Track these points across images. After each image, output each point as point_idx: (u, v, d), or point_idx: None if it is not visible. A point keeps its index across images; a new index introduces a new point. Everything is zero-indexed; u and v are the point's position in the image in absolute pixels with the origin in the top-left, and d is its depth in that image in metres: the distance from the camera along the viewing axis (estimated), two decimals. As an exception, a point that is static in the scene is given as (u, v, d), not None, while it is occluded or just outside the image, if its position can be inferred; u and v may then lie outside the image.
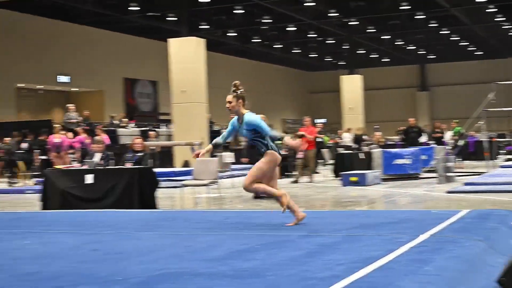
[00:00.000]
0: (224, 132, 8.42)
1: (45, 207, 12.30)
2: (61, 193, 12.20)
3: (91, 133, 21.58)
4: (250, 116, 8.00)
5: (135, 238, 7.58)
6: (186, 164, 22.75)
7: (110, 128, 25.87)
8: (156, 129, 28.03)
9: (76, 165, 14.69)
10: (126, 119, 28.41)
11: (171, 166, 23.48)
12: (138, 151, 13.48)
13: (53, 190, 12.32)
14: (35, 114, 36.77)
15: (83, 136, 21.01)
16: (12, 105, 34.30)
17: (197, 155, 8.34)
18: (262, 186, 8.06)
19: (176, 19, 33.50)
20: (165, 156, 24.01)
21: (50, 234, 8.19)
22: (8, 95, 34.24)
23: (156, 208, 11.59)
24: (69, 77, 37.47)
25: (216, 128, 31.77)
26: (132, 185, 11.82)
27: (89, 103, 37.16)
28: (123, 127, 27.02)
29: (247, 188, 8.08)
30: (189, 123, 24.78)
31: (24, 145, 21.34)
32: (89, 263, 5.93)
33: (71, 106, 24.84)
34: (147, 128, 28.08)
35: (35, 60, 34.91)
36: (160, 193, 12.26)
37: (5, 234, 8.26)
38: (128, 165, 12.99)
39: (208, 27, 37.07)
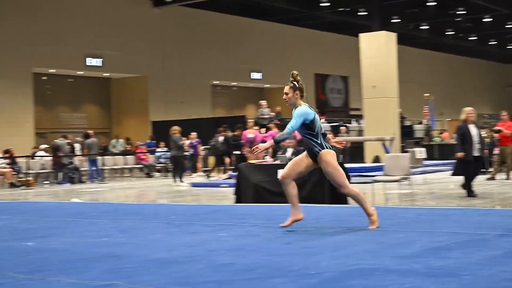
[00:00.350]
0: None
1: (238, 200, 12.64)
2: (254, 187, 12.49)
3: (282, 128, 21.91)
4: (298, 109, 7.52)
5: (326, 233, 7.61)
6: (376, 159, 22.57)
7: (301, 124, 26.13)
8: (347, 125, 28.02)
9: (268, 160, 14.97)
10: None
11: (362, 161, 23.40)
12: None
13: (246, 184, 12.64)
14: (229, 110, 37.94)
15: (275, 131, 21.37)
16: (207, 102, 35.61)
17: None
18: (359, 196, 7.67)
19: (366, 13, 33.34)
20: (356, 151, 23.96)
21: (244, 227, 8.40)
22: (204, 92, 35.59)
23: (347, 204, 11.57)
24: (261, 73, 38.32)
25: (407, 123, 31.24)
26: (323, 180, 11.83)
27: (280, 99, 37.66)
28: (314, 122, 27.24)
29: (347, 193, 7.78)
30: (380, 118, 24.56)
31: (221, 138, 22.09)
32: (282, 257, 6.02)
33: (263, 102, 25.42)
34: (338, 124, 28.15)
35: (229, 58, 36.03)
36: (350, 189, 12.22)
37: (201, 226, 8.57)
38: (319, 160, 13.06)
39: (399, 20, 36.56)
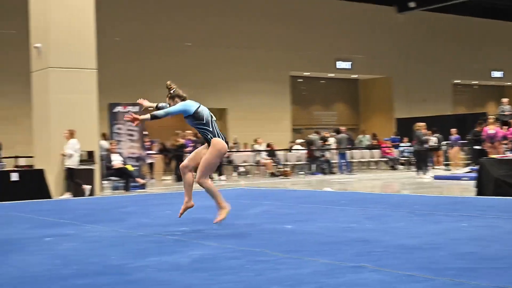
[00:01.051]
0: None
1: (479, 193, 12.15)
2: (495, 181, 11.93)
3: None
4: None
5: None
6: None
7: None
8: None
9: (509, 155, 14.22)
10: None
11: None
12: None
13: (487, 178, 12.11)
14: (470, 108, 36.64)
15: (514, 128, 20.33)
16: (448, 100, 34.70)
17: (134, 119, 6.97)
18: (213, 189, 7.16)
19: None
20: None
21: (485, 218, 8.05)
22: (446, 91, 34.70)
23: None
24: (502, 72, 36.62)
25: None
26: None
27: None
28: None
29: (199, 183, 7.12)
30: None
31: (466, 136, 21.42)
32: (524, 248, 5.69)
33: (504, 99, 24.28)
34: None
35: (470, 58, 34.83)
36: None
37: (443, 216, 8.35)
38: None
39: None
